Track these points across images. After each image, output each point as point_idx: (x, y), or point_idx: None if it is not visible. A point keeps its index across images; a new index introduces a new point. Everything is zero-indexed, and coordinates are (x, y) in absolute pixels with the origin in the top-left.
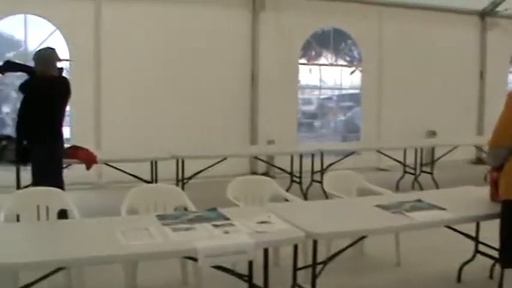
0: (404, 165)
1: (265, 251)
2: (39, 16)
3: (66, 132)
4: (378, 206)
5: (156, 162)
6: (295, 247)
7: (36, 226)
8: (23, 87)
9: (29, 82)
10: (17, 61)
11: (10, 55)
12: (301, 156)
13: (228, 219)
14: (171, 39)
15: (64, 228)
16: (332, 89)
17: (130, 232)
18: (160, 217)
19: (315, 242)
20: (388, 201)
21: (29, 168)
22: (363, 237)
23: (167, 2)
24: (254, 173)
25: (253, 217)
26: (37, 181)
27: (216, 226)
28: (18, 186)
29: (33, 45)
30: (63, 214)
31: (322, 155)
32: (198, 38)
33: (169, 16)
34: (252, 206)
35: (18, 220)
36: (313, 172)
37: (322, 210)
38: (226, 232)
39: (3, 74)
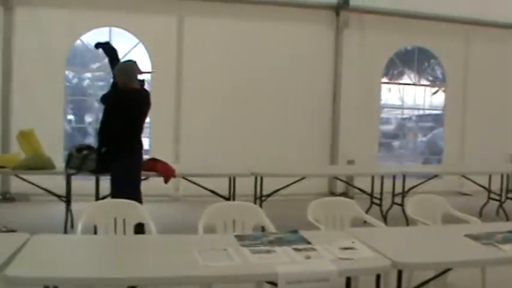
0: (489, 191)
1: (348, 280)
2: (123, 29)
3: (145, 143)
4: (467, 235)
5: (234, 179)
6: (378, 276)
7: (112, 240)
8: (104, 99)
9: (110, 94)
10: (115, 49)
11: (94, 66)
12: (382, 178)
13: (309, 243)
14: (251, 54)
15: (140, 243)
16: (414, 109)
17: (208, 252)
18: (239, 237)
19: (399, 272)
20: (478, 231)
21: (108, 178)
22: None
23: (249, 17)
24: (332, 192)
25: (335, 242)
26: (115, 192)
27: (297, 250)
28: (97, 196)
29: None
30: (140, 228)
31: (404, 177)
32: (279, 55)
33: (251, 31)
34: (332, 229)
35: (95, 231)
36: (394, 194)
37: (407, 237)
38: (308, 257)
39: (97, 48)
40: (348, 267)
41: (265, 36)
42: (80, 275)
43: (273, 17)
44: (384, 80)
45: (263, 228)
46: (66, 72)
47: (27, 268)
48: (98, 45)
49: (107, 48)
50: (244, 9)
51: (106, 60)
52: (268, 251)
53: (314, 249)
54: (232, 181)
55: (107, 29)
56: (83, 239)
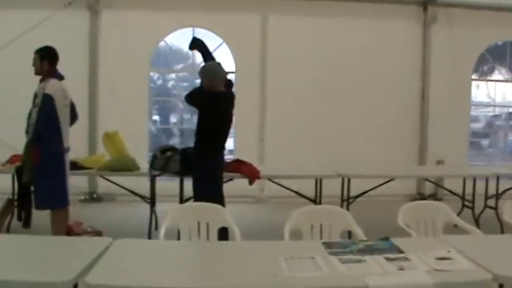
0: None
1: None
2: (207, 29)
3: (229, 144)
4: None
5: (321, 180)
6: None
7: (195, 247)
8: (188, 98)
9: (194, 93)
10: (204, 43)
11: (178, 67)
12: (474, 180)
13: (402, 252)
14: (336, 52)
15: (224, 250)
16: (505, 106)
17: (294, 261)
18: (327, 245)
19: (500, 287)
20: None
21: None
22: None
23: (334, 14)
24: (421, 194)
25: (430, 251)
26: (198, 194)
27: (389, 260)
28: (181, 198)
29: (200, 58)
30: (223, 232)
31: (497, 178)
32: (365, 52)
33: (336, 29)
34: (424, 235)
35: (179, 235)
36: (487, 197)
37: (507, 246)
38: (401, 268)
39: (191, 49)
40: (445, 280)
41: (350, 33)
42: (162, 285)
43: (358, 14)
44: (474, 76)
45: (349, 234)
46: (151, 74)
47: (108, 275)
48: (192, 45)
49: (199, 45)
50: (328, 6)
51: (189, 61)
52: (358, 261)
53: (407, 259)
54: (319, 183)
55: (190, 29)
56: (166, 245)
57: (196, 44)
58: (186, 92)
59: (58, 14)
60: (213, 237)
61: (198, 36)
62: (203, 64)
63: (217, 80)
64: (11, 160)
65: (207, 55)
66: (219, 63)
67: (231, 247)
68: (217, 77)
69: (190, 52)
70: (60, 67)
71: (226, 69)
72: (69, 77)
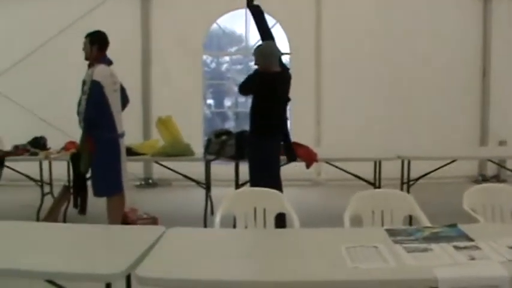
0: None
1: None
2: None
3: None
4: None
5: (380, 163)
6: None
7: (252, 235)
8: (242, 88)
9: (249, 80)
10: (263, 14)
11: (232, 50)
12: None
13: (471, 240)
14: (393, 31)
15: (282, 239)
16: None
17: (357, 251)
18: (391, 232)
19: None
20: None
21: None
22: None
23: None
24: (483, 175)
25: (501, 239)
26: (254, 178)
27: (458, 249)
28: (237, 182)
29: (254, 40)
30: (281, 218)
31: None
32: (422, 30)
33: (392, 7)
34: (492, 221)
35: (234, 221)
36: None
37: None
38: (472, 258)
39: (249, 7)
40: None
41: (407, 11)
42: (217, 278)
43: None
44: None
45: (410, 219)
46: (204, 57)
47: (159, 268)
48: (249, 5)
49: (258, 11)
50: None
51: (243, 43)
52: (424, 250)
53: (478, 248)
54: (378, 166)
55: (243, 11)
56: (221, 233)
57: (254, 6)
58: (240, 77)
59: (109, 1)
60: (270, 224)
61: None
62: (257, 44)
63: (272, 60)
64: (66, 147)
65: (261, 24)
66: (272, 43)
67: (290, 235)
68: (272, 56)
69: (243, 34)
70: (113, 53)
71: (282, 50)
72: (122, 62)
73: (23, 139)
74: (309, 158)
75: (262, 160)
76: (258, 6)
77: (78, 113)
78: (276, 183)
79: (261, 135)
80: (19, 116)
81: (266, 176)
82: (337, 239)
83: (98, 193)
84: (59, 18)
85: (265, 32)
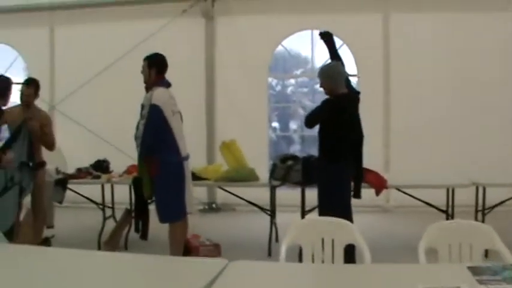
0: None
1: None
2: None
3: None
4: None
5: (453, 190)
6: None
7: (320, 271)
8: (308, 120)
9: (321, 109)
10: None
11: (297, 72)
12: None
13: None
14: (465, 48)
15: (352, 275)
16: None
17: None
18: (474, 270)
19: None
20: None
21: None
22: None
23: (458, 8)
24: None
25: None
26: (323, 206)
27: None
28: (303, 210)
29: (320, 61)
30: (350, 250)
31: None
32: (494, 44)
33: (461, 23)
34: None
35: (300, 252)
36: None
37: None
38: None
39: (321, 38)
40: None
41: (476, 26)
42: None
43: (483, 7)
44: None
45: (486, 252)
46: (269, 80)
47: None
48: (322, 34)
49: (329, 36)
50: (451, 1)
51: (309, 65)
52: None
53: None
54: (450, 193)
55: (308, 32)
56: (287, 268)
57: (327, 35)
58: (307, 100)
59: (173, 22)
60: (338, 257)
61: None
62: (322, 65)
63: (338, 81)
64: (128, 170)
65: (333, 51)
66: (337, 63)
67: (361, 271)
68: (338, 78)
69: (309, 56)
70: (177, 75)
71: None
72: (186, 85)
73: (88, 161)
74: (379, 184)
75: (332, 186)
76: (328, 33)
77: (136, 138)
78: (346, 212)
79: (331, 160)
80: (84, 138)
81: (336, 203)
82: (413, 277)
83: (162, 219)
84: (123, 41)
85: (334, 54)
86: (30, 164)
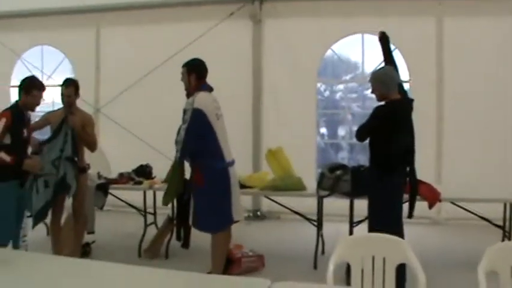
0: None
1: None
2: (376, 35)
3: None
4: None
5: (511, 205)
6: None
7: None
8: (360, 133)
9: (367, 122)
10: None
11: (347, 78)
12: None
13: None
14: None
15: None
16: None
17: None
18: None
19: None
20: None
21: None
22: None
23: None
24: None
25: None
26: (373, 219)
27: None
28: (351, 222)
29: (371, 67)
30: (400, 269)
31: None
32: None
33: None
34: None
35: (348, 270)
36: None
37: None
38: None
39: (380, 40)
40: None
41: None
42: None
43: None
44: None
45: None
46: (318, 85)
47: None
48: (382, 34)
49: (387, 42)
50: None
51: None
52: None
53: None
54: (507, 207)
55: (358, 36)
56: None
57: (385, 37)
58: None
59: (220, 25)
60: (389, 277)
61: (368, 43)
62: (374, 69)
63: (390, 87)
64: None
65: (388, 54)
66: (389, 68)
67: None
68: (391, 83)
69: (360, 61)
70: (223, 79)
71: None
72: (232, 89)
73: (131, 165)
74: (433, 197)
75: (383, 199)
76: (384, 33)
77: (176, 142)
78: (397, 227)
79: (383, 170)
80: (128, 142)
81: (387, 217)
82: None
83: (201, 228)
84: (169, 43)
85: (388, 57)
86: (76, 158)
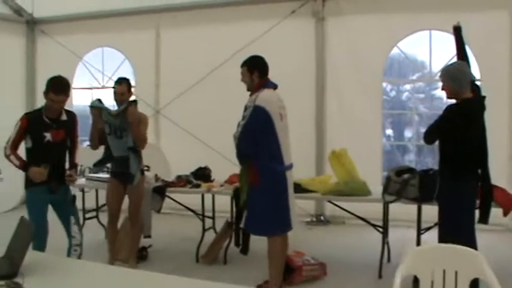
0: None
1: None
2: (446, 32)
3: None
4: None
5: None
6: None
7: None
8: (429, 134)
9: (436, 122)
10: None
11: (414, 77)
12: None
13: None
14: None
15: None
16: None
17: None
18: None
19: None
20: None
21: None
22: None
23: None
24: None
25: None
26: (444, 228)
27: None
28: (419, 229)
29: (438, 66)
30: (473, 283)
31: None
32: None
33: None
34: None
35: (416, 283)
36: None
37: None
38: None
39: (455, 33)
40: None
41: None
42: None
43: None
44: None
45: None
46: (384, 85)
47: None
48: (456, 28)
49: (460, 36)
50: None
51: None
52: None
53: None
54: None
55: (426, 33)
56: None
57: (459, 30)
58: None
59: (281, 23)
60: None
61: (436, 41)
62: (445, 65)
63: (463, 84)
64: (229, 180)
65: (461, 49)
66: (463, 63)
67: None
68: (463, 79)
69: (427, 60)
70: (286, 79)
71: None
72: (295, 89)
73: (191, 167)
74: (508, 204)
75: (455, 206)
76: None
77: (234, 137)
78: (470, 236)
79: (454, 174)
80: (188, 143)
81: (459, 226)
82: None
83: (255, 231)
84: (229, 43)
85: (462, 53)
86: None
